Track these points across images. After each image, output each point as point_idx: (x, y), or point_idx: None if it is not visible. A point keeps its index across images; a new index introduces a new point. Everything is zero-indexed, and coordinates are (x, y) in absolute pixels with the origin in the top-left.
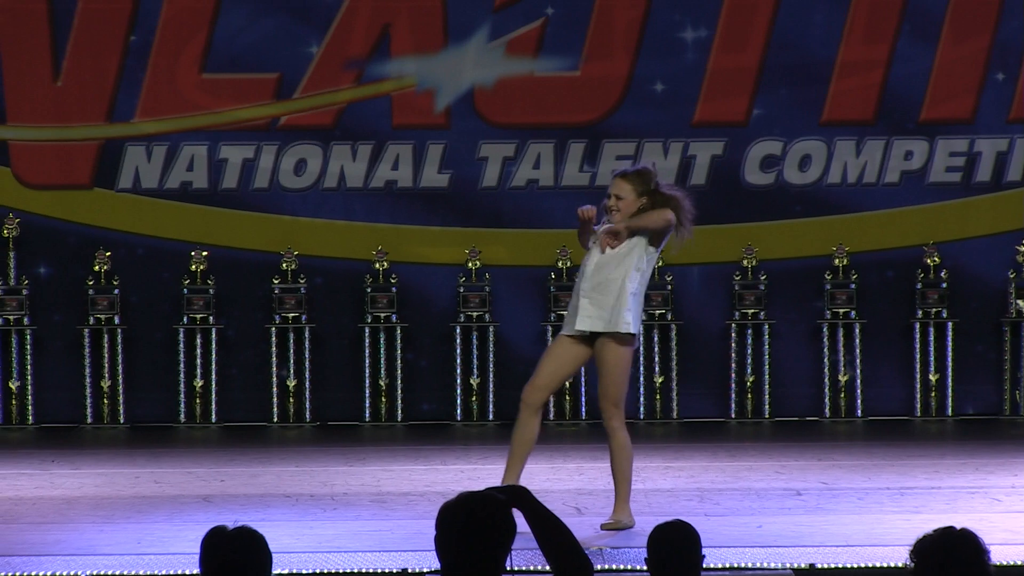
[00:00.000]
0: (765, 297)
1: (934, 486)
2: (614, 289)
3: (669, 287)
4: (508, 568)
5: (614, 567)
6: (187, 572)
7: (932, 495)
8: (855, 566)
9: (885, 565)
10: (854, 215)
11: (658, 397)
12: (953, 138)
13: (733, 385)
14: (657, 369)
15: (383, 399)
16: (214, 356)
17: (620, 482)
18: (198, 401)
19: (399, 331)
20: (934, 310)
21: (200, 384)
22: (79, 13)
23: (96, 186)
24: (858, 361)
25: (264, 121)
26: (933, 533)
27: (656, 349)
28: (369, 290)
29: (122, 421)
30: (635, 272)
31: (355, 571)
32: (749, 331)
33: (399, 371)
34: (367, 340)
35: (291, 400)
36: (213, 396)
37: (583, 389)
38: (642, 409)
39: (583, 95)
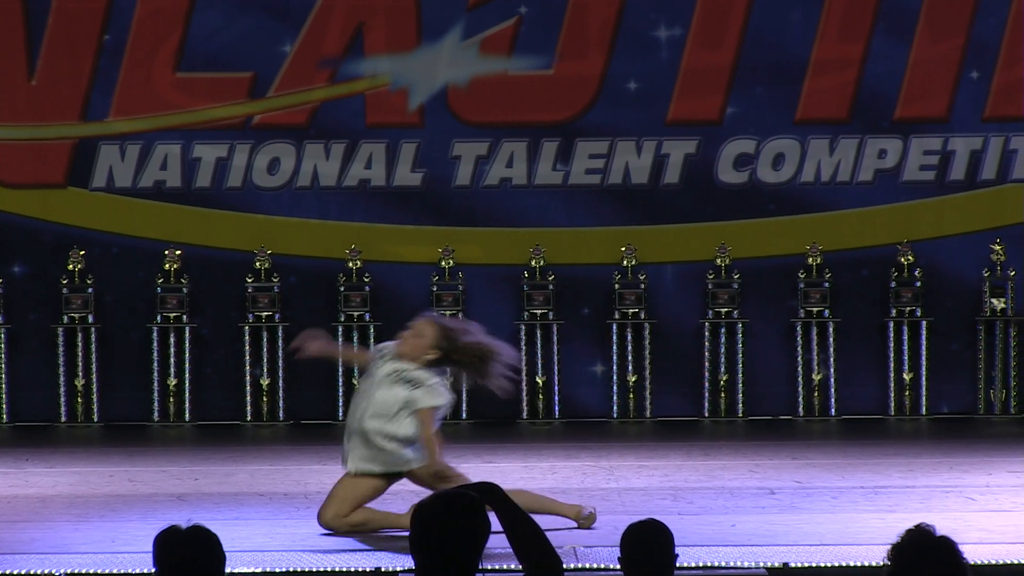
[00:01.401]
0: (739, 296)
1: (908, 485)
2: (388, 443)
3: (643, 285)
4: (481, 568)
5: (587, 566)
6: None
7: (906, 494)
8: (829, 565)
9: (859, 564)
10: (828, 214)
11: (631, 396)
12: (927, 136)
13: (707, 384)
14: (631, 368)
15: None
16: (188, 355)
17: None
18: (172, 400)
19: (372, 330)
20: (908, 309)
21: (174, 383)
22: (53, 12)
23: (70, 185)
24: (832, 360)
25: (238, 120)
26: (910, 534)
27: (630, 348)
28: (343, 289)
29: (96, 420)
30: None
31: (328, 569)
32: (723, 330)
33: None
34: (340, 339)
35: (265, 399)
36: (187, 395)
37: (556, 388)
38: (615, 408)
39: (557, 94)
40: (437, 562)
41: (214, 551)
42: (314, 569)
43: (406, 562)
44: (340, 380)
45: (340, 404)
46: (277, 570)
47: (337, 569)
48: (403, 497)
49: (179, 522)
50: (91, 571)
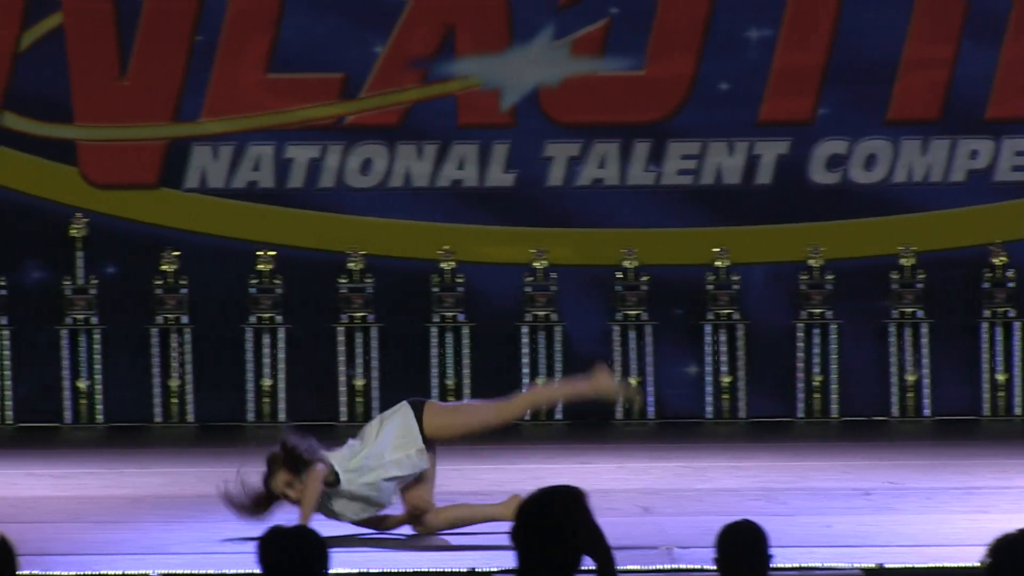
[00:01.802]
0: (832, 296)
1: (1002, 486)
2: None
3: (736, 286)
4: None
5: (682, 567)
6: (253, 571)
7: (1000, 495)
8: (923, 566)
9: (953, 565)
10: (920, 214)
11: (725, 397)
12: (1019, 137)
13: (800, 385)
14: (724, 368)
15: (450, 398)
16: (281, 356)
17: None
18: (266, 400)
19: (466, 330)
20: (1001, 309)
21: (268, 384)
22: (145, 13)
23: (163, 186)
24: (925, 360)
25: (330, 121)
26: (1009, 536)
27: (723, 349)
28: (436, 290)
29: (189, 420)
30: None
31: (423, 570)
32: (816, 331)
33: (466, 370)
34: (434, 339)
35: (358, 400)
36: (280, 396)
37: (649, 389)
38: (708, 409)
39: (648, 94)
40: (540, 556)
41: (317, 551)
42: (409, 570)
43: (501, 561)
44: (434, 381)
45: None
46: (372, 570)
47: (431, 569)
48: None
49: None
50: (183, 571)
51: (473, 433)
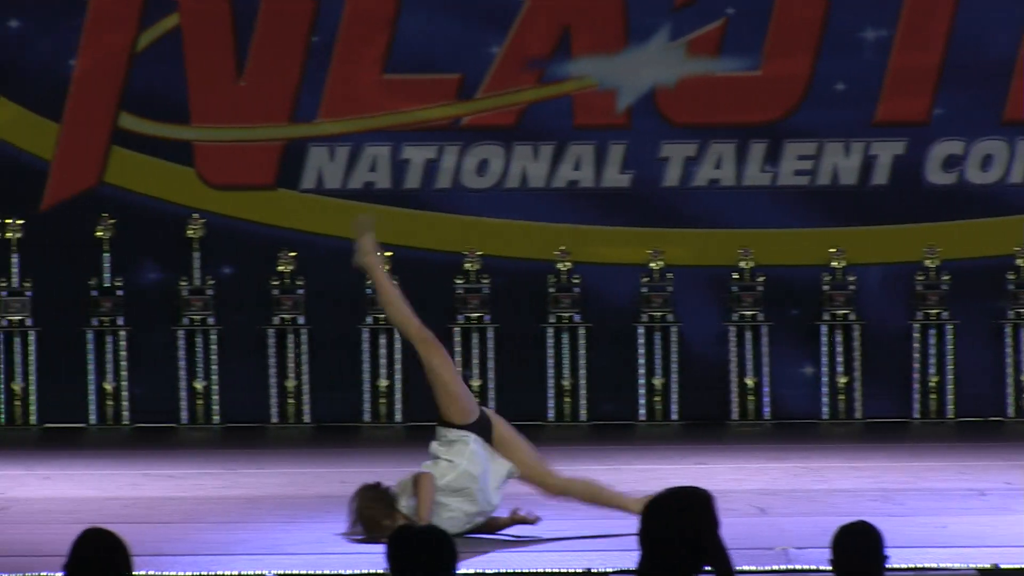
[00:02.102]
0: (947, 297)
1: None
2: None
3: (852, 287)
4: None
5: (798, 567)
6: (370, 571)
7: None
8: None
9: None
10: None
11: (841, 397)
12: None
13: (915, 385)
14: (840, 369)
15: (566, 399)
16: (398, 356)
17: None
18: (382, 401)
19: (582, 331)
20: None
21: (385, 384)
22: (261, 13)
23: (279, 186)
24: None
25: (446, 121)
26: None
27: (839, 349)
28: (552, 290)
29: (305, 421)
30: None
31: (538, 571)
32: (932, 331)
33: (582, 371)
34: (550, 340)
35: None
36: (396, 396)
37: (765, 389)
38: (825, 409)
39: (764, 94)
40: (663, 558)
41: (446, 550)
42: (525, 570)
43: (616, 562)
44: (551, 382)
45: (550, 405)
46: (488, 571)
47: (548, 570)
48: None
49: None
50: (301, 572)
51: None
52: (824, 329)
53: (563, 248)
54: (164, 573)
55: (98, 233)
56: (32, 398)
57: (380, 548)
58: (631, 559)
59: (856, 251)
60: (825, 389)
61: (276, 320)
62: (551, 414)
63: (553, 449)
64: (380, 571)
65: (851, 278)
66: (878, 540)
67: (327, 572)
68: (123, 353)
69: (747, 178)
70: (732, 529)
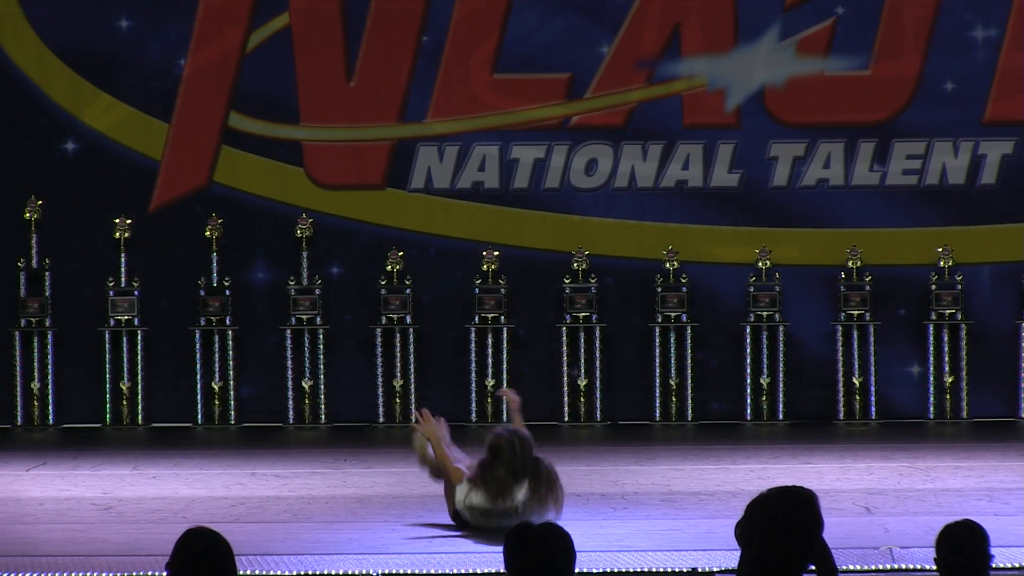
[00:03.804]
0: None
1: None
2: None
3: (959, 286)
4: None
5: (903, 567)
6: (478, 571)
7: None
8: None
9: None
10: None
11: (948, 397)
12: None
13: (1022, 384)
14: (947, 368)
15: (673, 398)
16: (505, 355)
17: None
18: (490, 400)
19: (689, 330)
20: None
21: (491, 383)
22: (372, 14)
23: (388, 186)
24: None
25: (555, 121)
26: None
27: (946, 349)
28: (660, 290)
29: (414, 420)
30: None
31: (645, 570)
32: None
33: (689, 370)
34: (657, 339)
35: (582, 399)
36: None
37: (872, 389)
38: (931, 409)
39: (873, 94)
40: (765, 556)
41: (566, 547)
42: (631, 569)
43: (722, 561)
44: (657, 381)
45: (656, 405)
46: (595, 571)
47: (653, 570)
48: None
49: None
50: (408, 571)
51: None
52: (931, 328)
53: (671, 248)
54: (271, 572)
55: (207, 233)
56: (139, 398)
57: (491, 547)
58: (736, 559)
59: (963, 250)
60: (932, 388)
61: (383, 319)
62: (658, 414)
63: (660, 449)
64: (490, 570)
65: (958, 277)
66: (984, 539)
67: (434, 572)
68: (231, 353)
69: (855, 177)
70: (838, 528)
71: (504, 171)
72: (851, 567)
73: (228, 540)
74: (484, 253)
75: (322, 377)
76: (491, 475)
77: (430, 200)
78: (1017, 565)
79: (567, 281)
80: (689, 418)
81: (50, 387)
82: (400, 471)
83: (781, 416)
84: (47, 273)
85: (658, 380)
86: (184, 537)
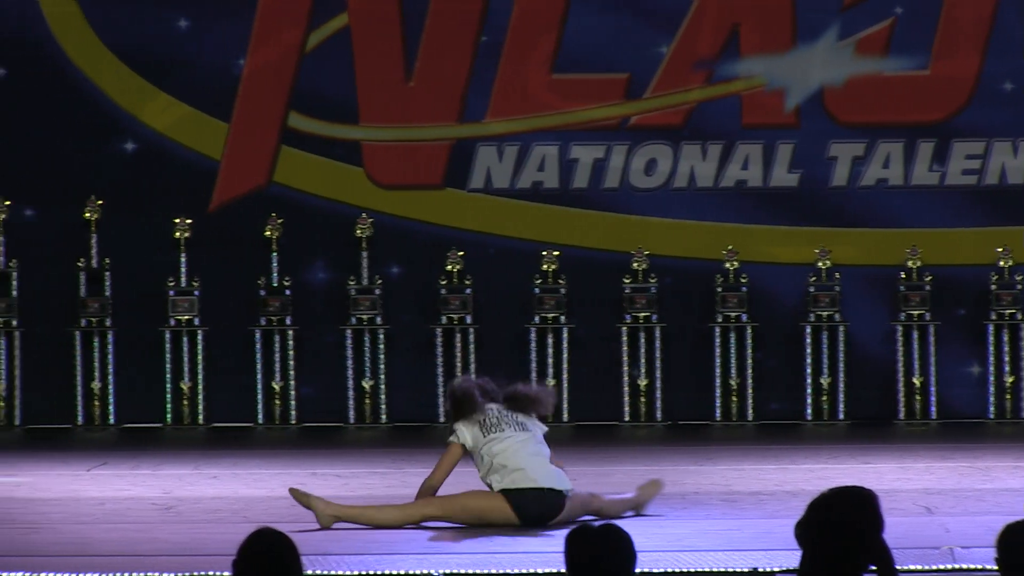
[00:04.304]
0: None
1: None
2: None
3: (1019, 286)
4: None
5: (963, 566)
6: (539, 571)
7: None
8: None
9: None
10: None
11: (1008, 397)
12: None
13: None
14: (1007, 368)
15: (733, 398)
16: (565, 355)
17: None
18: None
19: (749, 330)
20: None
21: (552, 383)
22: (430, 13)
23: (447, 186)
24: None
25: (614, 121)
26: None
27: (1006, 349)
28: (719, 290)
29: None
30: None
31: (704, 570)
32: None
33: (749, 370)
34: (717, 339)
35: (642, 399)
36: (564, 395)
37: (932, 389)
38: (991, 409)
39: (932, 94)
40: (825, 557)
41: (626, 547)
42: (691, 570)
43: (782, 561)
44: (717, 381)
45: (717, 405)
46: (655, 570)
47: (713, 570)
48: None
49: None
50: (469, 571)
51: None
52: (991, 328)
53: (730, 248)
54: (332, 572)
55: (267, 233)
56: (199, 397)
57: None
58: (796, 558)
59: (1023, 250)
60: (992, 388)
61: (443, 319)
62: (717, 413)
63: (719, 449)
64: (551, 570)
65: (1018, 277)
66: None
67: (495, 571)
68: (291, 352)
69: (915, 177)
70: (898, 528)
71: (563, 171)
72: (911, 567)
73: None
74: (544, 253)
75: (382, 377)
76: (459, 414)
77: (489, 200)
78: None
79: (627, 281)
80: (749, 418)
81: (110, 387)
82: (460, 470)
83: (841, 416)
84: (107, 273)
85: (718, 380)
86: (250, 537)
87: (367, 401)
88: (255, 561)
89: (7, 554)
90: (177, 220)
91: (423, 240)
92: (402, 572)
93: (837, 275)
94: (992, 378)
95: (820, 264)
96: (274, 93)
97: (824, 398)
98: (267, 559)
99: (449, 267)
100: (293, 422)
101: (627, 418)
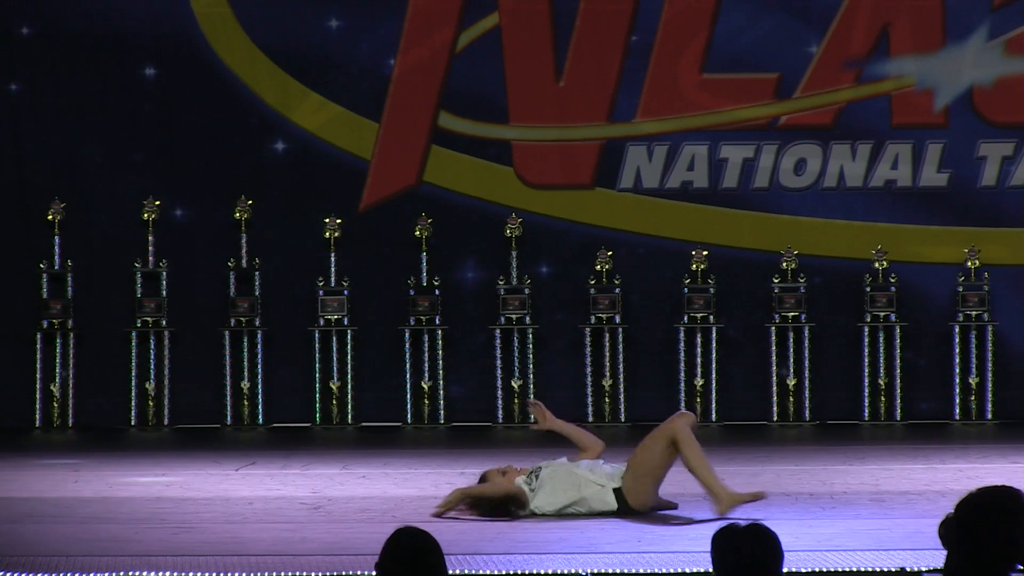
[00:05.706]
0: None
1: None
2: None
3: None
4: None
5: None
6: (687, 571)
7: None
8: None
9: None
10: None
11: None
12: None
13: None
14: None
15: (882, 398)
16: (714, 355)
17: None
18: (698, 399)
19: (898, 330)
20: None
21: (700, 383)
22: (581, 13)
23: (597, 186)
24: None
25: (764, 121)
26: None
27: None
28: (868, 289)
29: (621, 420)
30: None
31: (853, 570)
32: None
33: (898, 370)
34: (866, 339)
35: (791, 399)
36: (712, 394)
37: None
38: None
39: None
40: (972, 558)
41: (773, 547)
42: (839, 569)
43: (930, 561)
44: (866, 380)
45: (865, 405)
46: (803, 571)
47: (861, 569)
48: None
49: (737, 521)
50: (617, 571)
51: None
52: None
53: (880, 247)
54: (479, 572)
55: (416, 232)
56: (349, 397)
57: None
58: (943, 558)
59: None
60: None
61: (592, 319)
62: (866, 413)
63: (868, 448)
64: (698, 570)
65: None
66: None
67: (643, 571)
68: (440, 352)
69: None
70: None
71: (713, 171)
72: None
73: (437, 540)
74: (693, 252)
75: (531, 377)
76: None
77: (639, 200)
78: None
79: (776, 281)
80: (898, 417)
81: (260, 386)
82: None
83: (989, 416)
84: (257, 273)
85: (867, 380)
86: (394, 536)
87: (516, 401)
88: (399, 561)
89: (158, 553)
90: (327, 220)
91: (572, 240)
92: (549, 571)
93: (986, 275)
94: None
95: (969, 264)
96: (425, 93)
97: (973, 398)
98: (411, 558)
99: (598, 267)
100: (442, 422)
101: (776, 418)
